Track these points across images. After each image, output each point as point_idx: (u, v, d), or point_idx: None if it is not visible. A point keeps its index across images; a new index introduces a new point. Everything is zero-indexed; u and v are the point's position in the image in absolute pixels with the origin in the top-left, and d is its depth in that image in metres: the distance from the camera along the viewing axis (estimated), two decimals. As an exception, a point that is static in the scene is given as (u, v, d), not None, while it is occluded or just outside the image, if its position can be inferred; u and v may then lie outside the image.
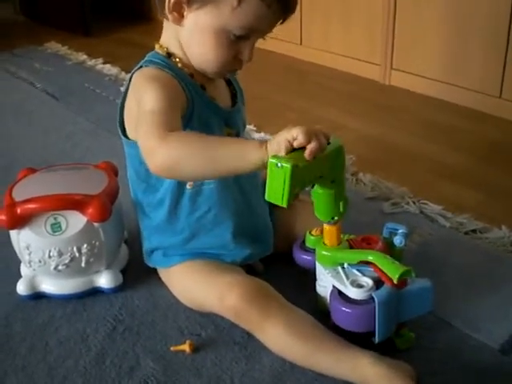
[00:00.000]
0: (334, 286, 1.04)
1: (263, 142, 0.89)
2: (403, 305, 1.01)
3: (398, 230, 1.07)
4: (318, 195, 0.99)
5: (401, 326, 1.05)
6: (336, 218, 1.01)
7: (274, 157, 0.86)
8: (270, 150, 0.88)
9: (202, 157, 0.93)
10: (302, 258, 1.13)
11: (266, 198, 0.89)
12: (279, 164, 0.85)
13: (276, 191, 0.87)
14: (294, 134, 0.87)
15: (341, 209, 1.00)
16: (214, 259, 1.16)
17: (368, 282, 1.01)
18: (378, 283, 1.01)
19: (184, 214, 1.14)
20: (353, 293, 1.01)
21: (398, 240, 1.06)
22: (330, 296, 1.04)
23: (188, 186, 1.11)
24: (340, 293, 1.03)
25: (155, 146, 0.94)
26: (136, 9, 3.21)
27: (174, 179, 1.08)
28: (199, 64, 1.09)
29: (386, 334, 1.02)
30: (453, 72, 2.12)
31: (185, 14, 1.04)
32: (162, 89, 1.01)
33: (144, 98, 1.01)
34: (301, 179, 0.88)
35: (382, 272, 1.00)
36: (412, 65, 2.25)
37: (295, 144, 0.87)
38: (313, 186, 0.99)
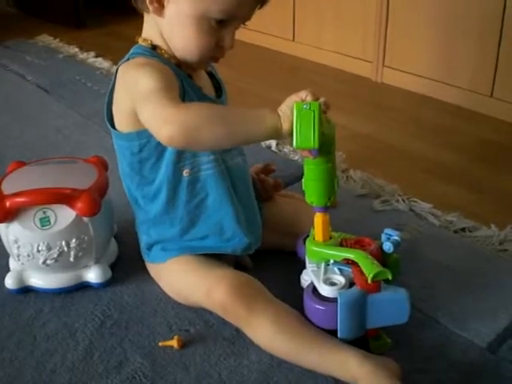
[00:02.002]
0: (311, 281, 1.05)
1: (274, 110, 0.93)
2: (373, 310, 0.99)
3: (391, 236, 1.06)
4: (316, 172, 0.99)
5: (377, 330, 1.04)
6: (332, 198, 1.01)
7: (298, 103, 0.91)
8: (282, 115, 0.92)
9: (221, 120, 0.94)
10: (303, 252, 1.12)
11: (295, 145, 0.91)
12: (306, 106, 0.90)
13: (305, 134, 0.90)
14: (303, 96, 0.93)
15: (335, 187, 1.01)
16: (214, 251, 1.16)
17: (341, 280, 1.00)
18: (352, 284, 1.00)
19: (182, 202, 1.13)
20: (323, 290, 1.01)
21: (386, 246, 1.04)
22: (305, 290, 1.05)
23: (185, 174, 1.11)
24: (314, 288, 1.03)
25: (173, 112, 0.94)
26: (128, 2, 3.18)
27: (188, 148, 1.04)
28: (182, 53, 1.09)
29: (350, 334, 1.00)
30: (445, 70, 2.13)
31: (165, 3, 1.05)
32: (156, 71, 1.02)
33: (140, 82, 1.01)
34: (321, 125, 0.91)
35: (359, 273, 0.99)
36: (404, 62, 2.25)
37: None
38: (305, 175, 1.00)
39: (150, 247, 1.20)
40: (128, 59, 1.09)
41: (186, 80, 1.10)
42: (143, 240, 1.22)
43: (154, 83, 0.98)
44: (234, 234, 1.16)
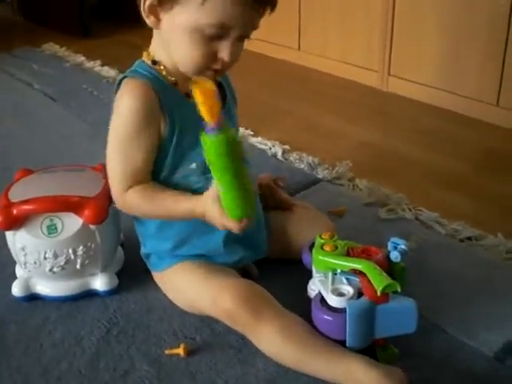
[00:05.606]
0: (319, 291, 1.04)
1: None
2: (381, 320, 0.99)
3: (398, 244, 1.05)
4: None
5: (384, 340, 1.04)
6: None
7: None
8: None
9: (153, 214, 1.13)
10: (309, 260, 1.12)
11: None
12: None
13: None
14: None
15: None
16: (206, 261, 1.16)
17: (349, 291, 1.01)
18: (361, 294, 1.00)
19: (171, 221, 1.14)
20: (331, 300, 1.01)
21: (394, 255, 1.04)
22: (312, 299, 1.05)
23: None
24: (322, 298, 1.03)
25: (115, 195, 1.12)
26: (135, 10, 3.19)
27: None
28: (181, 66, 1.08)
29: (358, 344, 1.00)
30: (450, 79, 2.13)
31: (160, 16, 1.04)
32: (131, 118, 1.07)
33: (114, 122, 1.10)
34: None
35: (367, 283, 0.99)
36: (410, 72, 2.26)
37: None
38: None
39: (147, 256, 1.22)
40: (126, 76, 1.09)
41: (179, 100, 1.09)
42: (142, 249, 1.23)
43: (116, 138, 1.12)
44: (226, 251, 1.16)
